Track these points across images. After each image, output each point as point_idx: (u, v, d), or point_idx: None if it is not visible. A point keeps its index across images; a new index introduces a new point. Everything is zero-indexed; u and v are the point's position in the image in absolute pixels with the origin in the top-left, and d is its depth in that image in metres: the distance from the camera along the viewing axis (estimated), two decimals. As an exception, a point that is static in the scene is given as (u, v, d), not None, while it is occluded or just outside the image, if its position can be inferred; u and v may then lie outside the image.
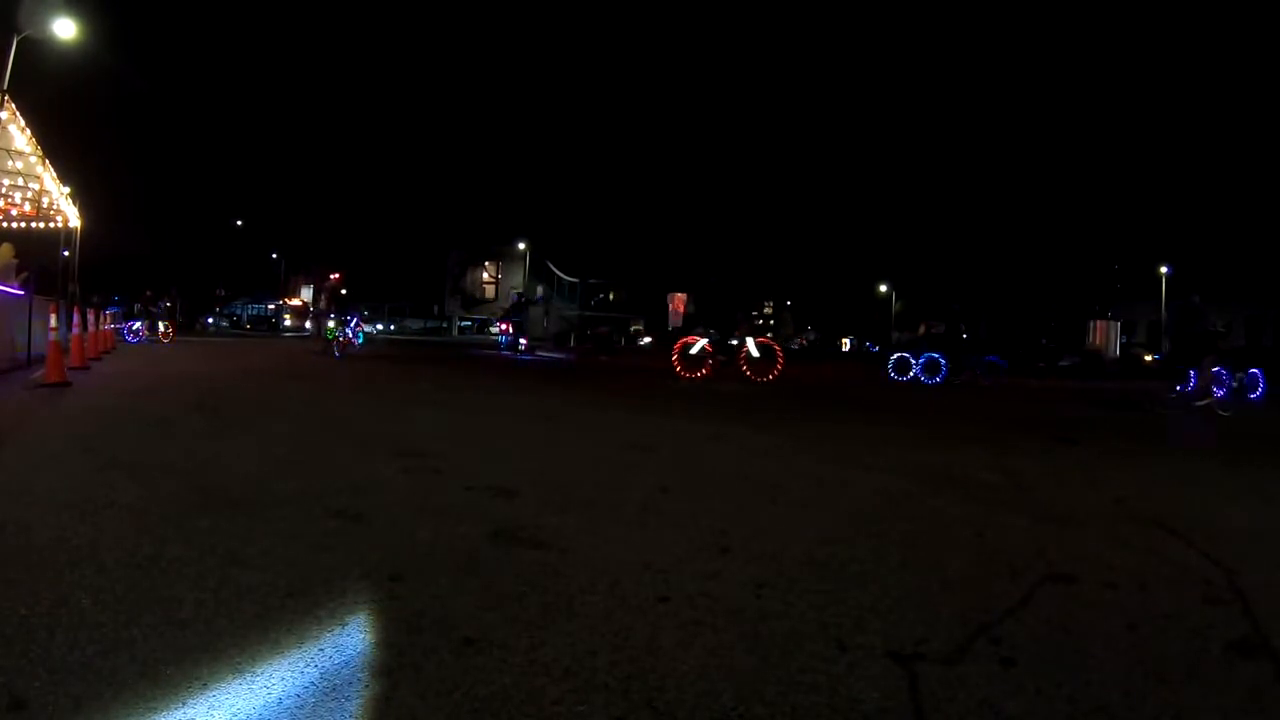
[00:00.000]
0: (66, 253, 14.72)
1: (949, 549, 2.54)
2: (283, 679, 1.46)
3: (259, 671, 1.48)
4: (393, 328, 51.55)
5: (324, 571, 2.06)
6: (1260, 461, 5.26)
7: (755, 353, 11.59)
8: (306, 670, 1.49)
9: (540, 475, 3.53)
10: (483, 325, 49.67)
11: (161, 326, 19.29)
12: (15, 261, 10.84)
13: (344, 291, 18.87)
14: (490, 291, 53.99)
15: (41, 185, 11.54)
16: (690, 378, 11.28)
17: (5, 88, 10.00)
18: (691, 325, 12.98)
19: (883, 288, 55.37)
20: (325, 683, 1.45)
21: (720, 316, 12.73)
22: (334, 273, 16.64)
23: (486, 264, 54.37)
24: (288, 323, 50.75)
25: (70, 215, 12.95)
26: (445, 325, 55.21)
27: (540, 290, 48.71)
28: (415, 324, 53.91)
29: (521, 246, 48.46)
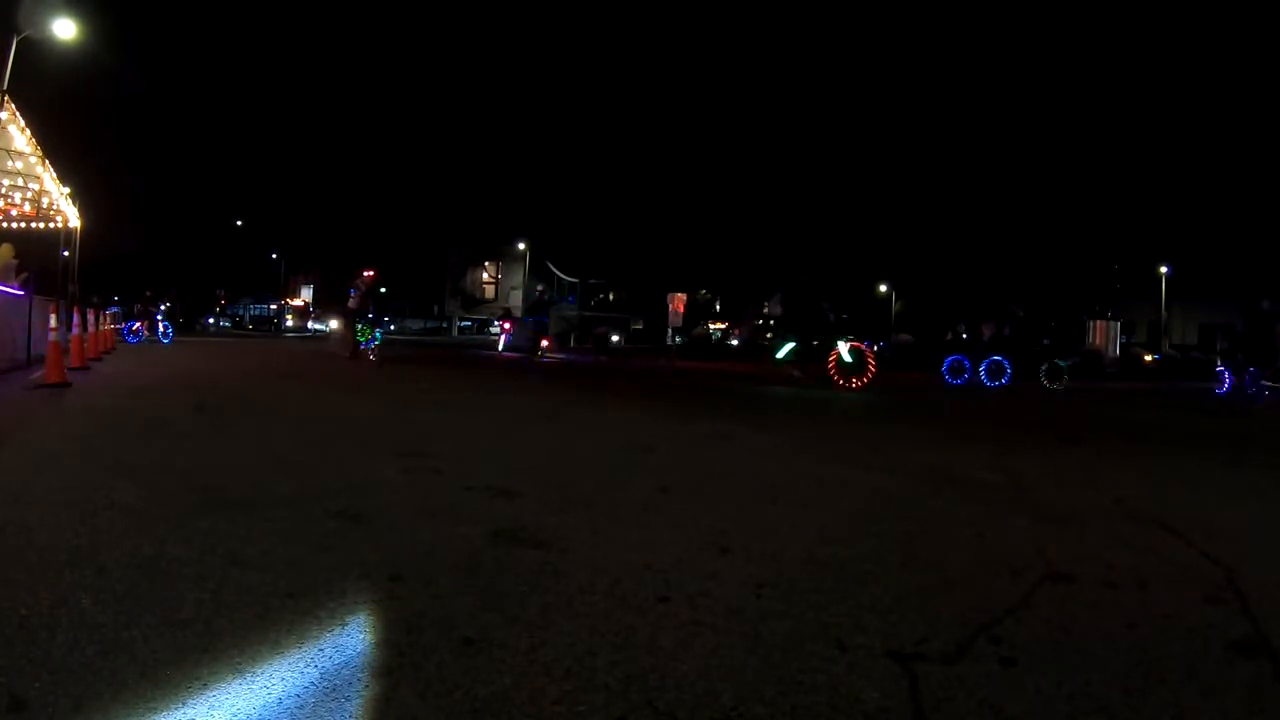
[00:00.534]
0: (66, 253, 14.72)
1: (949, 549, 2.54)
2: (283, 679, 1.46)
3: (259, 672, 1.48)
4: (393, 328, 51.52)
5: (324, 571, 2.06)
6: (1260, 461, 5.26)
7: (847, 357, 10.99)
8: (306, 670, 1.49)
9: (540, 475, 3.53)
10: (482, 325, 49.66)
11: (161, 327, 19.29)
12: (15, 262, 10.85)
13: (383, 290, 16.69)
14: (490, 292, 53.97)
15: (41, 185, 11.54)
16: (783, 383, 10.70)
17: (5, 88, 10.00)
18: (781, 328, 11.81)
19: (883, 288, 55.36)
20: (325, 683, 1.45)
21: (810, 318, 11.65)
22: (367, 269, 14.84)
23: (486, 264, 54.36)
24: (289, 323, 50.77)
25: (70, 216, 12.95)
26: (445, 325, 55.22)
27: (539, 290, 48.69)
28: (415, 324, 53.91)
29: (521, 246, 48.47)
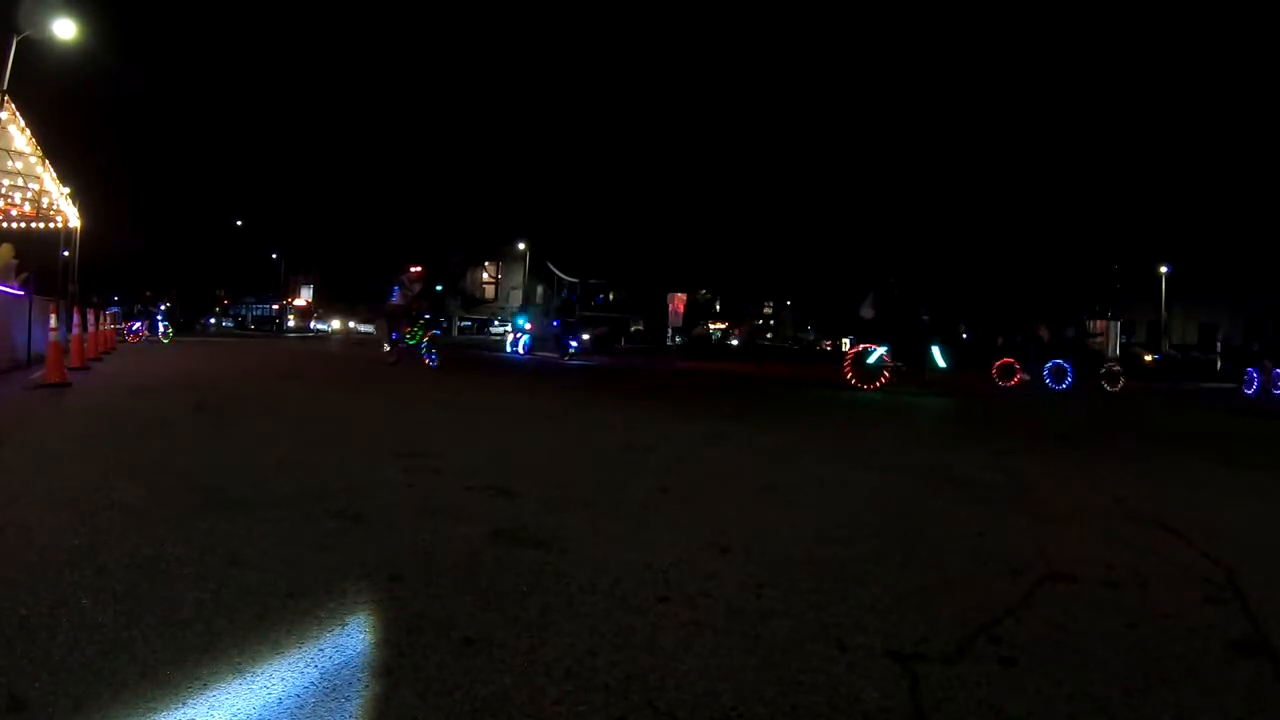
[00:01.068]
0: (66, 253, 14.72)
1: (949, 549, 2.54)
2: (283, 679, 1.46)
3: (259, 672, 1.48)
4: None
5: (324, 572, 2.06)
6: (1260, 461, 5.26)
7: (940, 361, 10.79)
8: (306, 670, 1.49)
9: (540, 475, 3.53)
10: (482, 325, 49.68)
11: (161, 327, 19.29)
12: (15, 262, 10.85)
13: (439, 289, 15.33)
14: (490, 292, 53.99)
15: (41, 186, 11.54)
16: (865, 388, 10.33)
17: (5, 88, 10.01)
18: (873, 332, 11.22)
19: (882, 288, 55.31)
20: (325, 683, 1.45)
21: (904, 322, 11.21)
22: (414, 265, 13.46)
23: (486, 264, 54.37)
24: (290, 323, 50.75)
25: (70, 216, 12.96)
26: (445, 325, 55.26)
27: (540, 290, 48.72)
28: None
29: (521, 246, 48.47)
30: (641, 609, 1.88)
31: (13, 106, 8.90)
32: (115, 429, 4.67)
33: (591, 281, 50.37)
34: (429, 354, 12.16)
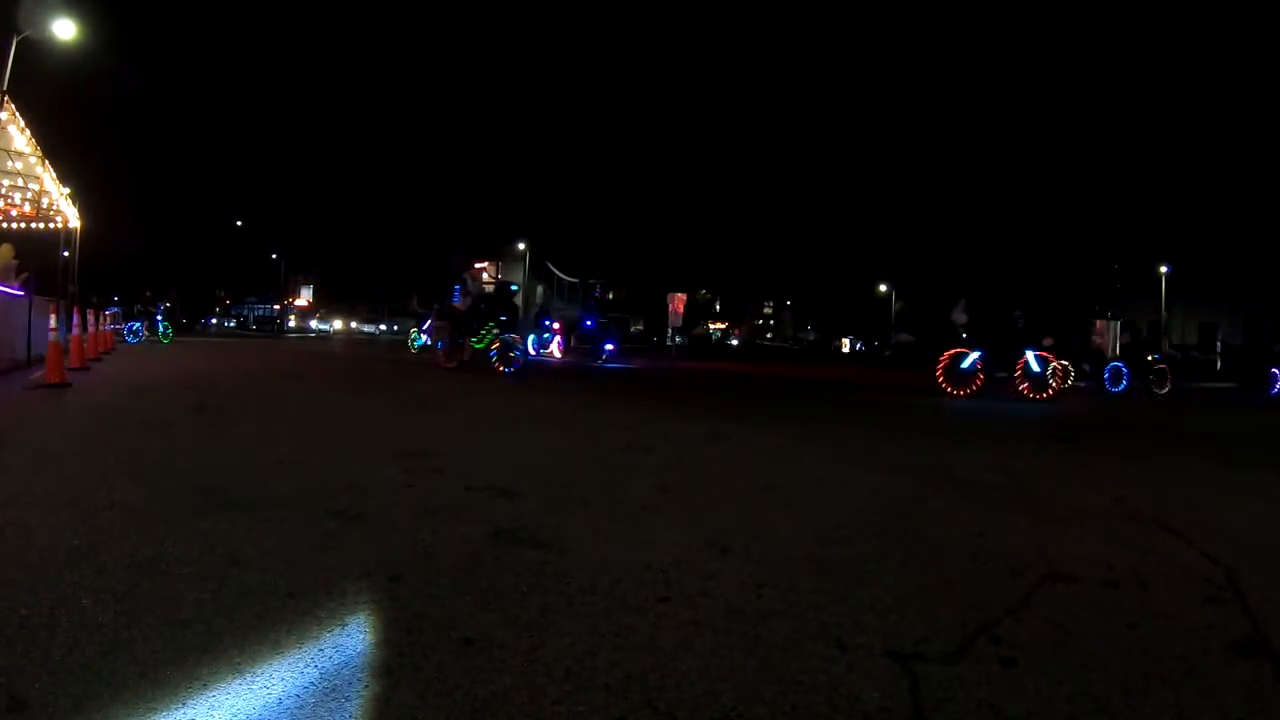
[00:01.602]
0: (66, 253, 14.73)
1: (949, 549, 2.54)
2: (283, 679, 1.46)
3: (259, 672, 1.48)
4: (396, 328, 51.69)
5: (324, 572, 2.06)
6: (1260, 461, 5.26)
7: (1035, 367, 10.27)
8: (306, 670, 1.49)
9: (540, 475, 3.53)
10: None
11: (161, 327, 19.29)
12: (15, 262, 10.86)
13: (514, 287, 12.41)
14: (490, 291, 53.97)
15: (41, 186, 11.54)
16: (958, 394, 9.97)
17: (5, 88, 10.01)
18: (967, 337, 10.80)
19: (882, 288, 55.35)
20: (325, 683, 1.45)
21: (995, 325, 10.72)
22: (478, 260, 11.22)
23: (486, 264, 54.37)
24: (291, 323, 50.71)
25: (70, 216, 12.96)
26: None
27: (540, 290, 48.71)
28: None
29: (521, 246, 48.47)
30: (641, 609, 1.88)
31: (13, 106, 8.90)
32: (115, 429, 4.67)
33: (591, 281, 50.41)
34: (509, 362, 10.84)
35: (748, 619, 1.84)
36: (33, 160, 10.22)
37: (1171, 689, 1.54)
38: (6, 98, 8.89)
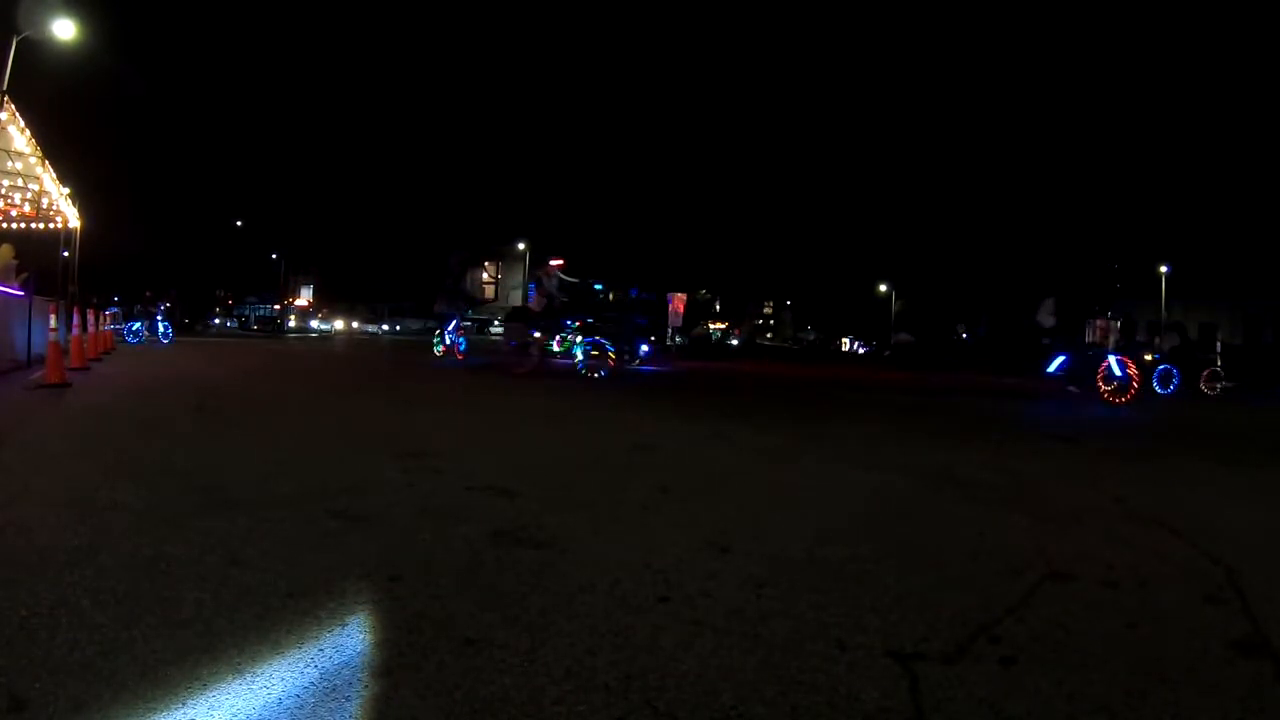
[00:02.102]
0: (66, 253, 14.73)
1: (949, 548, 2.54)
2: (283, 679, 1.46)
3: (259, 672, 1.48)
4: (398, 328, 51.80)
5: (324, 572, 2.06)
6: (1260, 461, 5.26)
7: (1117, 371, 10.01)
8: (306, 670, 1.49)
9: (540, 475, 3.53)
10: (482, 326, 49.69)
11: (161, 327, 19.29)
12: (15, 262, 10.86)
13: (598, 286, 10.97)
14: (490, 292, 54.01)
15: (41, 186, 11.54)
16: (1048, 397, 9.80)
17: (5, 88, 10.01)
18: (1055, 339, 10.62)
19: (883, 288, 55.39)
20: (325, 683, 1.45)
21: (1079, 329, 10.60)
22: (555, 258, 11.23)
23: (486, 264, 54.42)
24: (291, 323, 50.74)
25: (70, 216, 12.96)
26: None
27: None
28: (416, 324, 54.04)
29: (521, 246, 48.50)
30: (641, 609, 1.88)
31: (13, 107, 8.90)
32: (115, 429, 4.67)
33: (591, 281, 50.37)
34: (599, 367, 10.14)
35: (748, 619, 1.84)
36: (33, 160, 10.22)
37: (1171, 689, 1.54)
38: (6, 98, 8.89)
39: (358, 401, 7.15)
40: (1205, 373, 13.17)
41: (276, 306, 52.42)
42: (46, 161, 10.37)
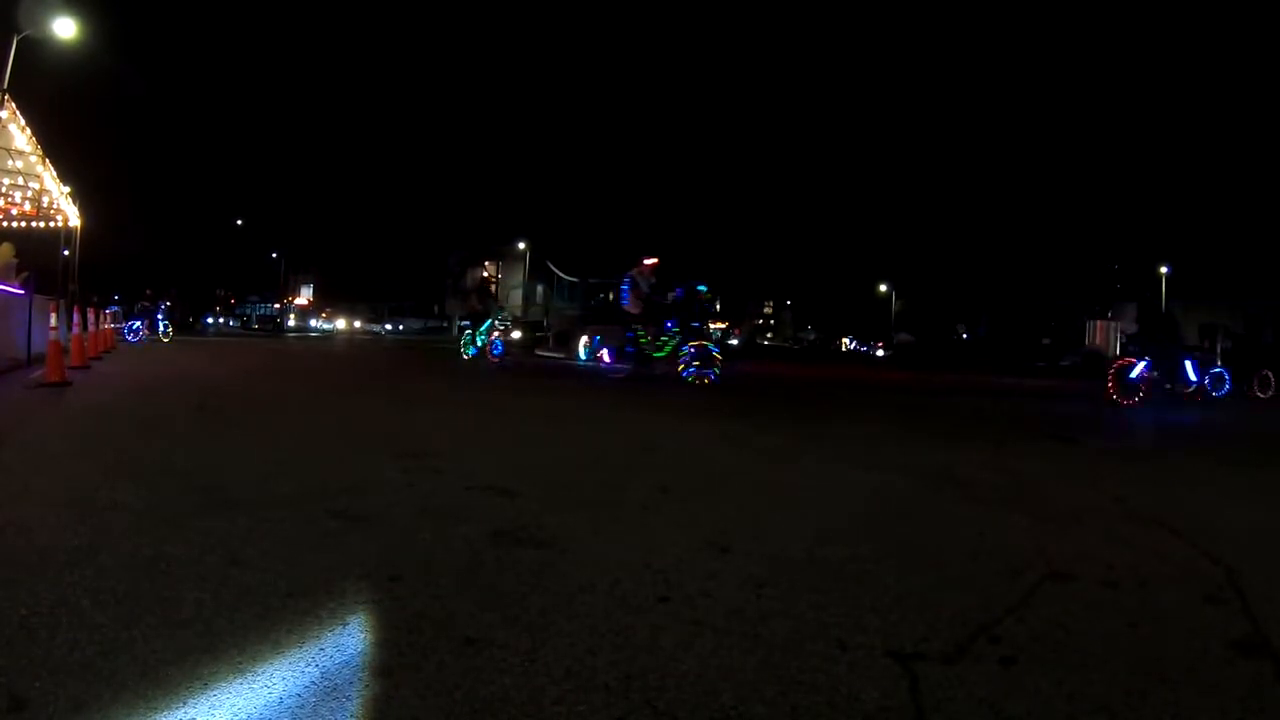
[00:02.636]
0: (66, 252, 14.74)
1: (949, 548, 2.54)
2: (283, 679, 1.46)
3: (259, 671, 1.48)
4: (400, 328, 51.80)
5: (324, 572, 2.06)
6: (1260, 461, 5.26)
7: (1192, 375, 10.25)
8: (306, 670, 1.49)
9: (541, 475, 3.53)
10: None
11: (162, 327, 19.30)
12: (15, 261, 10.87)
13: (703, 288, 10.64)
14: (490, 291, 53.95)
15: (41, 185, 11.55)
16: (1126, 404, 9.54)
17: (5, 87, 10.01)
18: (1139, 345, 10.42)
19: (883, 288, 55.38)
20: (325, 683, 1.45)
21: (1167, 335, 10.49)
22: (648, 257, 10.51)
23: (486, 264, 54.37)
24: (291, 322, 50.71)
25: (70, 215, 12.97)
26: (445, 325, 55.37)
27: (540, 289, 48.68)
28: (416, 324, 54.06)
29: (521, 246, 48.47)
30: (641, 609, 1.88)
31: (13, 106, 8.91)
32: (115, 428, 4.67)
33: (591, 281, 50.35)
34: (705, 370, 9.67)
35: (748, 619, 1.84)
36: (33, 159, 10.23)
37: (1171, 689, 1.54)
38: (7, 96, 8.90)
39: (356, 401, 7.15)
40: (1256, 377, 13.09)
41: (277, 306, 52.39)
42: (47, 160, 10.38)
